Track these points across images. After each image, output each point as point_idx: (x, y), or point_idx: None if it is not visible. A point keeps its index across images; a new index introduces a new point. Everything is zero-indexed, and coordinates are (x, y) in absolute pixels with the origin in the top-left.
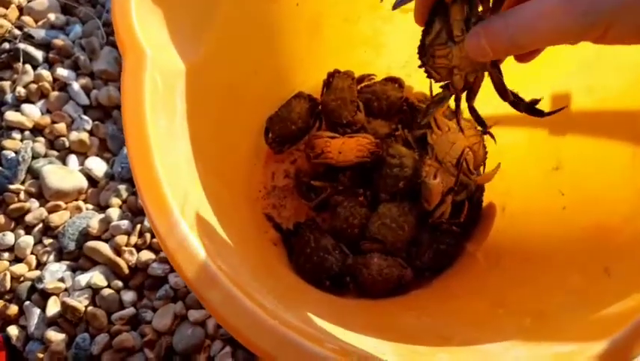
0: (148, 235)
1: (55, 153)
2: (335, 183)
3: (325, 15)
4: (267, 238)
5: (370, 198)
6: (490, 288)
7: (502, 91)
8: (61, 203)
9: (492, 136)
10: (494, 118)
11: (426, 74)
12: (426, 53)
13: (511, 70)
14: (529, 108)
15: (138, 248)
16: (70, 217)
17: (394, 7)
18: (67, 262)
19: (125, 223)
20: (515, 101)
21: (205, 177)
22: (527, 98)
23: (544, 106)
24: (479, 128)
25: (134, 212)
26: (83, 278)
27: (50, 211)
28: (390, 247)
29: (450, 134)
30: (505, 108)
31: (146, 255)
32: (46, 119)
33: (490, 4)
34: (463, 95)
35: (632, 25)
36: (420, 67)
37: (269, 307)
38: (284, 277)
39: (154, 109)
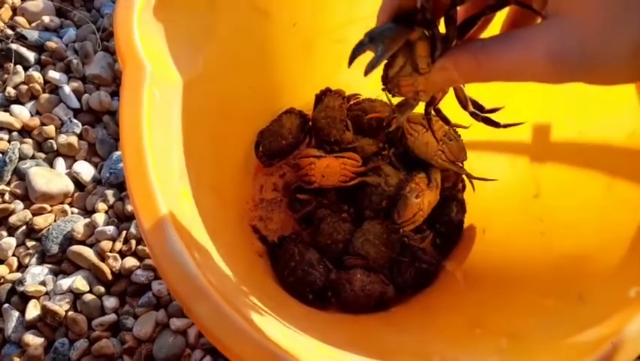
0: (133, 242)
1: (42, 155)
2: (320, 198)
3: (319, 36)
4: (253, 250)
5: (354, 214)
6: (469, 307)
7: (464, 101)
8: (46, 206)
9: (461, 126)
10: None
11: (391, 95)
12: (389, 82)
13: (493, 97)
14: (486, 120)
15: (123, 254)
16: (55, 220)
17: (366, 74)
18: (50, 266)
19: (110, 229)
20: (474, 112)
21: (196, 188)
22: (507, 119)
23: (526, 135)
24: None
25: (121, 218)
26: (65, 282)
27: (35, 214)
28: (373, 264)
29: (421, 135)
30: (488, 135)
31: (131, 261)
32: (36, 121)
33: (456, 32)
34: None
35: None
36: (384, 90)
37: (255, 321)
38: (268, 290)
39: (151, 122)
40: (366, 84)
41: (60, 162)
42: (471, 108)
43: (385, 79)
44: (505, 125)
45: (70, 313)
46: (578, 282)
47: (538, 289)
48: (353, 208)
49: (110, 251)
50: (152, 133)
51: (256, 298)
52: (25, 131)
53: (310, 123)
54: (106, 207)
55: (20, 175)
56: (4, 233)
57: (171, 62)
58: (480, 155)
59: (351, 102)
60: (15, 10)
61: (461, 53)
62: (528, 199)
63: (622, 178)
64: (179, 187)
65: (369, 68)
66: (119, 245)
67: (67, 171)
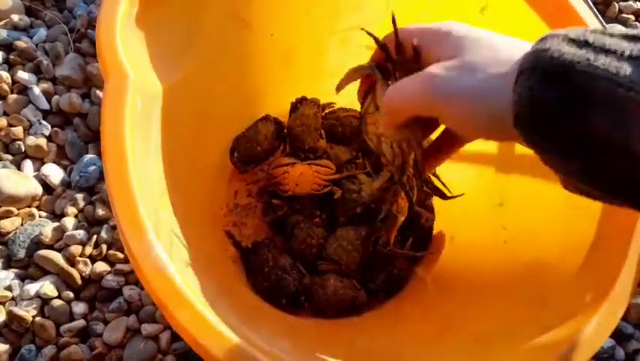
0: (104, 246)
1: (9, 157)
2: (293, 203)
3: (297, 46)
4: (226, 256)
5: (327, 219)
6: (439, 312)
7: (420, 171)
8: (13, 209)
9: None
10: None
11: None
12: (362, 123)
13: None
14: (435, 189)
15: (93, 259)
16: (22, 224)
17: (337, 91)
18: (16, 270)
19: (80, 233)
20: (427, 180)
21: (173, 194)
22: None
23: (492, 146)
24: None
25: (91, 222)
26: (32, 287)
27: (1, 217)
28: (346, 269)
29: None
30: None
31: (101, 266)
32: (3, 122)
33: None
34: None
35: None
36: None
37: (236, 327)
38: (243, 295)
39: (133, 131)
40: (341, 94)
41: (28, 165)
42: (425, 181)
43: (361, 119)
44: (450, 197)
45: (37, 318)
46: (540, 288)
47: (503, 294)
48: (326, 213)
49: (80, 256)
50: (133, 141)
51: (233, 304)
52: None
53: (286, 130)
54: (75, 211)
55: None
56: None
57: (152, 71)
58: (448, 164)
59: (326, 111)
60: None
61: (389, 88)
62: (493, 208)
63: None
64: (158, 194)
65: (337, 89)
66: (89, 250)
67: (36, 173)
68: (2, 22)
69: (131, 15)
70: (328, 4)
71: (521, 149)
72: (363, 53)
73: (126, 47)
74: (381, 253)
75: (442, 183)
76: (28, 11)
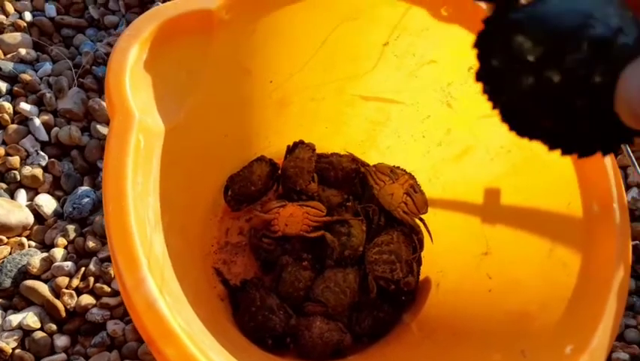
0: (91, 279)
1: (4, 185)
2: (283, 243)
3: (294, 93)
4: (215, 293)
5: (315, 260)
6: (422, 359)
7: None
8: (3, 237)
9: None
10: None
11: None
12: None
13: (450, 167)
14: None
15: (79, 291)
16: (11, 253)
17: None
18: (0, 300)
19: (68, 265)
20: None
21: (168, 230)
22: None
23: (478, 197)
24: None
25: (80, 254)
26: (15, 318)
27: None
28: (332, 311)
29: (387, 186)
30: (444, 195)
31: (87, 299)
32: (1, 151)
33: None
34: None
35: None
36: None
37: None
38: (229, 334)
39: (135, 168)
40: (335, 140)
41: (22, 194)
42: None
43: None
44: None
45: (17, 351)
46: (521, 339)
47: (485, 344)
48: (312, 255)
49: (67, 288)
50: (134, 178)
51: (220, 343)
52: None
53: (280, 171)
54: (65, 242)
55: None
56: None
57: (156, 112)
58: (436, 212)
59: (320, 156)
60: None
61: None
62: (478, 256)
63: (561, 244)
64: (154, 229)
65: None
66: (76, 282)
67: (29, 203)
68: (9, 55)
69: (140, 60)
70: (325, 55)
71: (506, 199)
72: (357, 102)
73: (133, 90)
74: (368, 297)
75: (428, 231)
76: (36, 46)
